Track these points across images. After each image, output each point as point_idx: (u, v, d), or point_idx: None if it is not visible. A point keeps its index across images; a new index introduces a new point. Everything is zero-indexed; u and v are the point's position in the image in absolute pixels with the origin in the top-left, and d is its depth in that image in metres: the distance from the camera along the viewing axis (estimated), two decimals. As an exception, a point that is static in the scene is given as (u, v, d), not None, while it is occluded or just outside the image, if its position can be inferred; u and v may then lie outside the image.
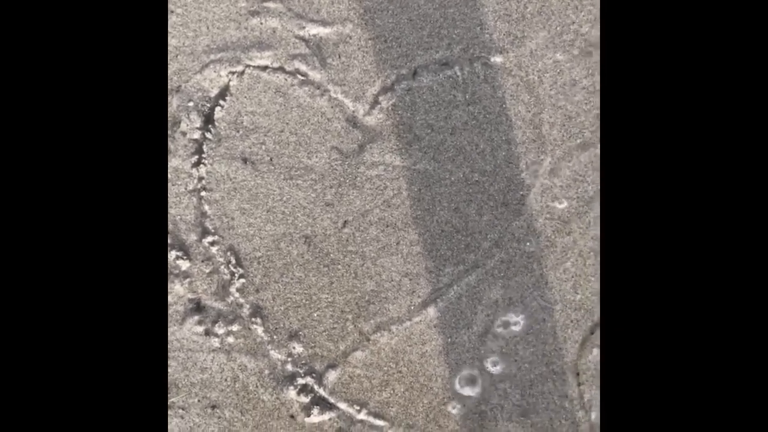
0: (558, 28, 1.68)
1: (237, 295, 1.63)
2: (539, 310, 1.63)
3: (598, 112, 1.65)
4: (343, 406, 1.62)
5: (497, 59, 1.67)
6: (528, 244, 1.64)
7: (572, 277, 1.64)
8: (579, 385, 1.62)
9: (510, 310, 1.63)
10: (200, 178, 1.65)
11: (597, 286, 1.63)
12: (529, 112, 1.66)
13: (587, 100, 1.67)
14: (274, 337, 1.63)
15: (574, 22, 1.68)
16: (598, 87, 1.66)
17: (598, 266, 1.64)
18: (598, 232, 1.64)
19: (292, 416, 1.62)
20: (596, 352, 1.62)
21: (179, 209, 1.64)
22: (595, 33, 1.67)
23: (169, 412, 1.61)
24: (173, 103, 1.65)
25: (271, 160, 1.65)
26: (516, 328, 1.62)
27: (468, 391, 1.61)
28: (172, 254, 1.62)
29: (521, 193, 1.65)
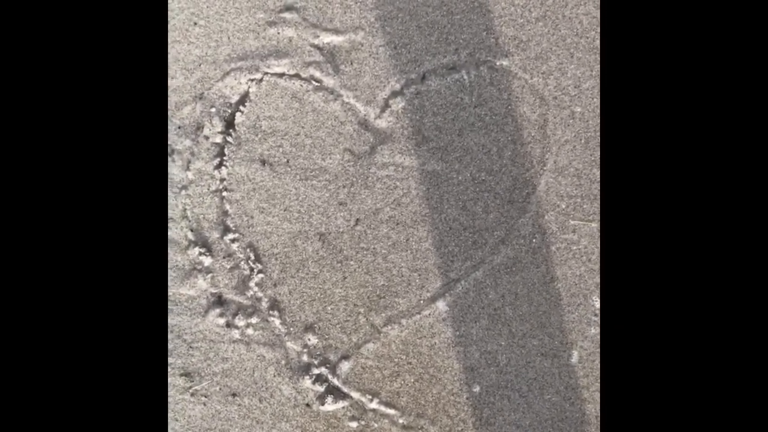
0: (561, 32, 1.73)
1: (256, 289, 1.73)
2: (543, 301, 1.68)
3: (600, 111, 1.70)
4: (355, 395, 1.70)
5: (503, 62, 1.73)
6: (533, 240, 1.70)
7: (577, 273, 1.69)
8: (585, 377, 1.67)
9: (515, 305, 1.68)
10: (222, 180, 1.75)
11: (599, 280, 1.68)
12: (534, 112, 1.72)
13: (590, 101, 1.71)
14: (291, 329, 1.72)
15: (575, 26, 1.73)
16: (599, 87, 1.71)
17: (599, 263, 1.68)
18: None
19: (307, 404, 1.70)
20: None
21: (202, 209, 1.74)
22: (596, 35, 1.72)
23: (193, 399, 1.71)
24: (197, 109, 1.75)
25: (287, 161, 1.74)
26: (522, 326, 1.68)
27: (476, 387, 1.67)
28: (195, 251, 1.73)
29: (526, 191, 1.71)
